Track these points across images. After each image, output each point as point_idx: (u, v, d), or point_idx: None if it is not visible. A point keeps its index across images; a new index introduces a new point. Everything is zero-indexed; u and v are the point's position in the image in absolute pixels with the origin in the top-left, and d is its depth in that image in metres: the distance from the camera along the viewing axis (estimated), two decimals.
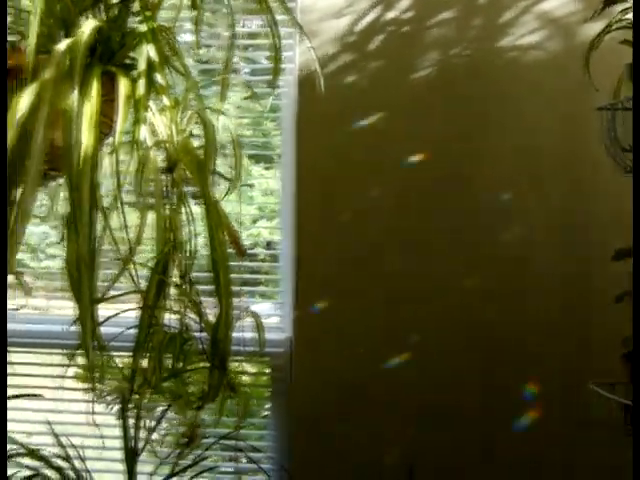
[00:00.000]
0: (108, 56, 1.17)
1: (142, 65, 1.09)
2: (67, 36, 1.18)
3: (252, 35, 2.39)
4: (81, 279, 0.91)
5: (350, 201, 2.17)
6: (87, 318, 0.93)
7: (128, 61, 1.22)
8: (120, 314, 1.33)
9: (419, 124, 2.13)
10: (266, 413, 2.35)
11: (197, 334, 1.19)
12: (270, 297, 2.46)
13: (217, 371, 1.17)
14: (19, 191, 0.85)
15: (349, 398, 2.18)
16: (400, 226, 2.16)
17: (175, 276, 1.16)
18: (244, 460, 2.29)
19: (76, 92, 0.91)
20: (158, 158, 1.13)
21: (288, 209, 2.25)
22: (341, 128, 2.15)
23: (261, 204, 2.63)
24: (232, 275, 1.15)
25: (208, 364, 1.19)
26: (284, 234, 2.31)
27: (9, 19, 1.37)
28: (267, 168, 2.63)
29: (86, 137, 0.89)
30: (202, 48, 2.26)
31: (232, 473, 2.34)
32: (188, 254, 1.17)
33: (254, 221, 2.63)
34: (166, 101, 1.12)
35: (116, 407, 2.09)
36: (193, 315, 1.19)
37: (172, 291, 1.18)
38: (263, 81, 2.41)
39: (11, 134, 0.84)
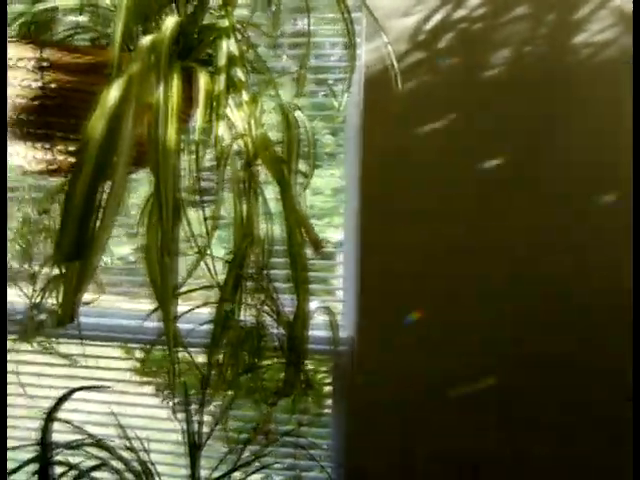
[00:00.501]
0: (186, 52, 1.18)
1: (222, 60, 1.09)
2: (145, 32, 1.19)
3: (300, 34, 2.35)
4: (163, 273, 0.92)
5: (414, 201, 2.14)
6: (168, 313, 0.94)
7: (203, 57, 1.24)
8: (193, 310, 1.34)
9: (489, 124, 2.10)
10: (327, 411, 2.34)
11: (273, 330, 1.19)
12: (319, 295, 2.45)
13: (293, 367, 1.17)
14: (107, 186, 0.86)
15: (410, 397, 2.16)
16: (463, 226, 2.13)
17: (252, 271, 1.17)
18: (304, 457, 2.30)
19: (162, 87, 0.92)
20: (236, 153, 1.14)
21: (351, 208, 2.24)
22: (407, 127, 2.13)
23: (310, 203, 2.60)
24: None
25: (283, 360, 1.20)
26: (346, 233, 2.30)
27: (86, 17, 1.39)
28: (316, 167, 2.61)
29: (170, 131, 0.90)
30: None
31: (292, 469, 2.34)
32: (265, 249, 1.18)
33: None
34: (245, 96, 1.12)
35: (176, 401, 2.12)
36: (268, 311, 1.19)
37: (249, 286, 1.18)
38: (314, 80, 2.39)
39: (100, 128, 0.85)
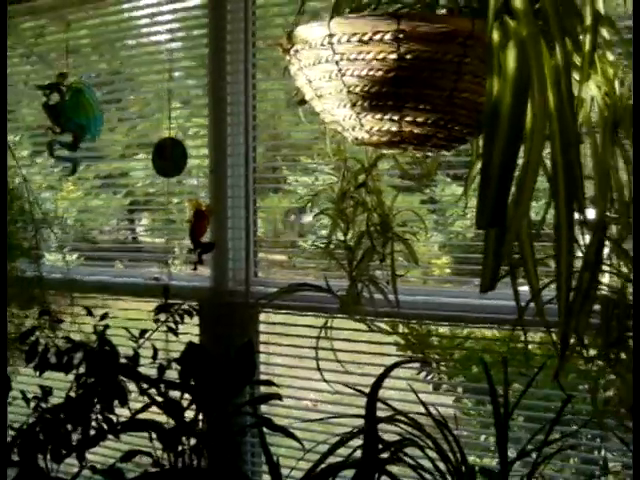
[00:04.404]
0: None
1: (588, 19, 1.05)
2: None
3: None
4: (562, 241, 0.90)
5: None
6: (564, 286, 0.91)
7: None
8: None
9: None
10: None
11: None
12: None
13: None
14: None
15: None
16: None
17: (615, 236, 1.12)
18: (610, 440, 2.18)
19: (558, 49, 0.90)
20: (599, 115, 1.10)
21: None
22: None
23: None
24: None
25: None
26: None
27: None
28: None
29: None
30: None
31: (596, 451, 2.23)
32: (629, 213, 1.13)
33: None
34: (611, 57, 1.08)
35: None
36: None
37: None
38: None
39: (507, 94, 0.84)
